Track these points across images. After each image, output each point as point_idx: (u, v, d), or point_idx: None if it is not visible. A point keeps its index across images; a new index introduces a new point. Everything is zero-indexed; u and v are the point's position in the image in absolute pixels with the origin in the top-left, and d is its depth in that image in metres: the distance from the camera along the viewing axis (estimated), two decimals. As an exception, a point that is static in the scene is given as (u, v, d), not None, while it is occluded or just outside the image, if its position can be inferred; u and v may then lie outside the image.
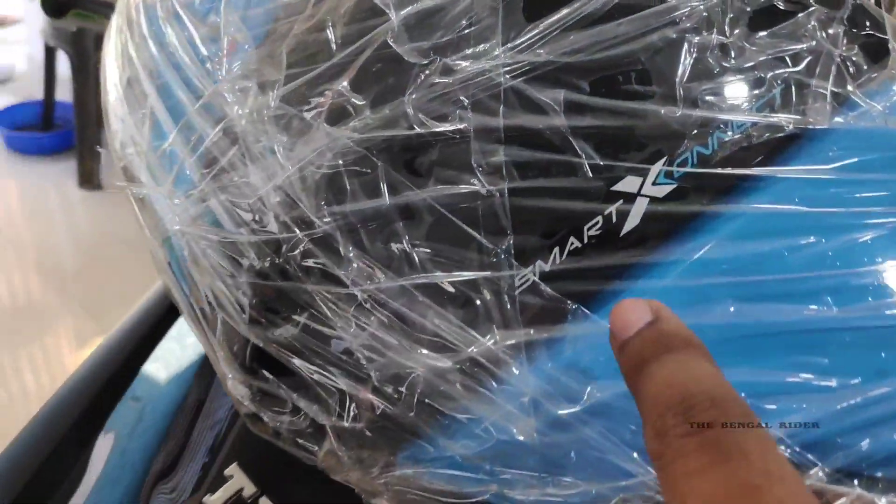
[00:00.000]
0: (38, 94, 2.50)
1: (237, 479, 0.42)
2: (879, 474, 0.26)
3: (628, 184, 0.28)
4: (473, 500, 0.29)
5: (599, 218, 0.28)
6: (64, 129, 2.44)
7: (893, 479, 0.26)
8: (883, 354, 0.26)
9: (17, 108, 2.51)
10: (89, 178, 2.28)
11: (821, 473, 0.25)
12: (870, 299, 0.26)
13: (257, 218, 0.31)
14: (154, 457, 0.49)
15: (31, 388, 1.63)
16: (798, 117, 0.28)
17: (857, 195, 0.27)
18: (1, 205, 2.23)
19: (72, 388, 0.54)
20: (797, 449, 0.25)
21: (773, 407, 0.25)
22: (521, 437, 0.26)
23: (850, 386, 0.25)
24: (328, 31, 0.33)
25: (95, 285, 1.92)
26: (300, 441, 0.32)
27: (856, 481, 0.25)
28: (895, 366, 0.26)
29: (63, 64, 2.31)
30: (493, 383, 0.27)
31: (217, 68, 0.36)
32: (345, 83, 0.30)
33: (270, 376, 0.31)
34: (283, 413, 0.31)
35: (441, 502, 0.30)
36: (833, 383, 0.25)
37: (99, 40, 2.23)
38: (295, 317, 0.30)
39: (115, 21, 0.49)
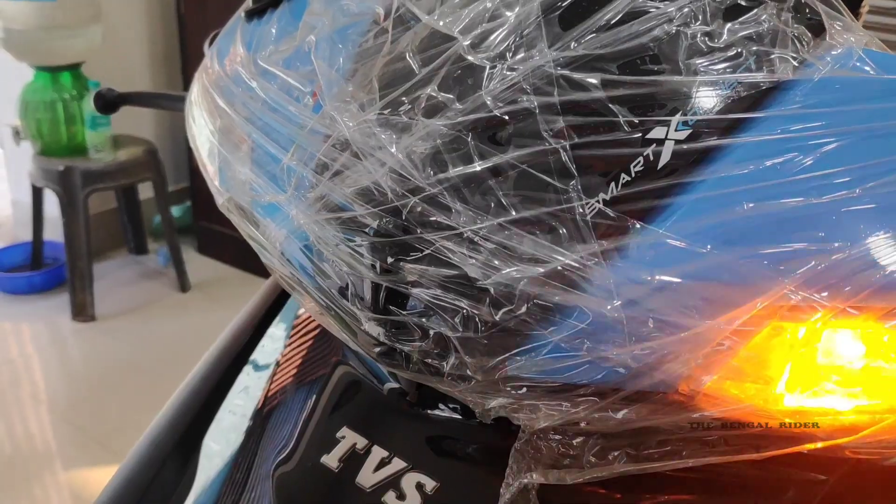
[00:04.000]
0: (23, 236, 2.62)
1: (349, 437, 0.50)
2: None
3: (657, 132, 0.38)
4: (575, 381, 0.37)
5: (641, 158, 0.38)
6: (54, 267, 2.54)
7: None
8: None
9: (5, 251, 2.61)
10: (83, 310, 2.36)
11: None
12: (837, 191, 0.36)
13: (377, 195, 0.40)
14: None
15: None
16: (769, 74, 0.39)
17: (816, 123, 0.38)
18: (-3, 344, 2.29)
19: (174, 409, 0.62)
20: (807, 295, 0.35)
21: (783, 267, 0.35)
22: (609, 313, 0.35)
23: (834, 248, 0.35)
24: (409, 59, 0.43)
25: (97, 413, 1.96)
26: (429, 361, 0.40)
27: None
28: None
29: (49, 204, 2.44)
30: (582, 281, 0.36)
31: (317, 101, 0.47)
32: (434, 87, 0.41)
33: (402, 311, 0.40)
34: (413, 340, 0.40)
35: (548, 388, 0.38)
36: (825, 245, 0.35)
37: (85, 176, 2.32)
38: (417, 261, 0.39)
39: (196, 90, 0.59)
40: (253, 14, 0.59)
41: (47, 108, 2.27)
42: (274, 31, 0.55)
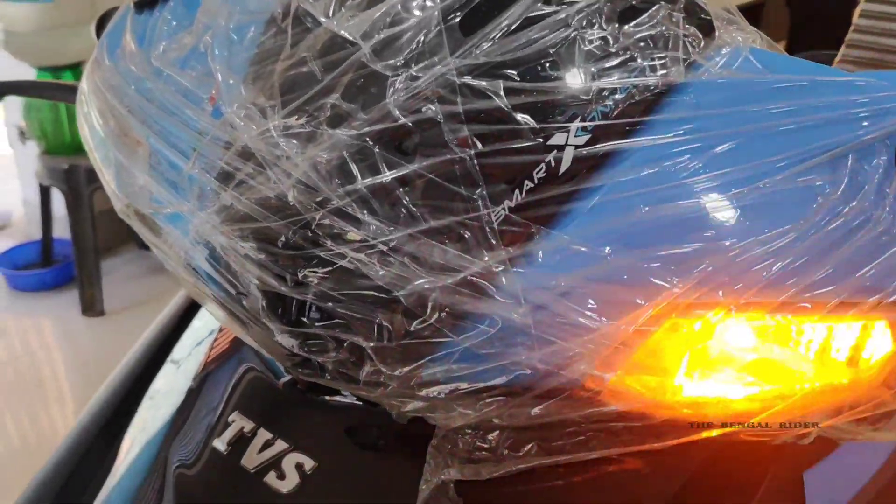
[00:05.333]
0: (36, 235, 2.58)
1: (238, 421, 0.51)
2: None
3: (558, 138, 0.39)
4: (486, 383, 0.39)
5: (542, 164, 0.39)
6: (63, 264, 2.52)
7: None
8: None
9: (16, 250, 2.58)
10: (92, 306, 2.34)
11: None
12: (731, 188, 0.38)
13: (283, 206, 0.40)
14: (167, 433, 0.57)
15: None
16: (662, 78, 0.40)
17: (705, 125, 0.40)
18: (9, 340, 2.25)
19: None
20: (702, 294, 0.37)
21: (675, 268, 0.37)
22: (517, 318, 0.37)
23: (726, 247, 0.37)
24: (311, 64, 0.42)
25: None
26: (343, 371, 0.40)
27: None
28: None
29: (57, 202, 2.42)
30: (491, 288, 0.37)
31: (215, 105, 0.45)
32: (337, 96, 0.40)
33: (316, 324, 0.40)
34: (328, 351, 0.40)
35: (460, 392, 0.39)
36: (721, 241, 0.37)
37: (90, 174, 2.28)
38: (329, 274, 0.39)
39: (86, 90, 0.57)
40: (143, 5, 0.57)
41: (49, 107, 2.26)
42: (166, 25, 0.53)
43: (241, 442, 0.51)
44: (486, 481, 0.43)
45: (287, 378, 0.55)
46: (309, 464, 0.49)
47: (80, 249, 2.31)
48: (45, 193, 2.44)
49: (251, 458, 0.50)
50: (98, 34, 0.78)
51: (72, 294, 2.39)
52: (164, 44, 0.52)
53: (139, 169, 0.50)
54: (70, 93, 0.73)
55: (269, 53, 0.46)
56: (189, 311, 0.75)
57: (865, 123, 0.40)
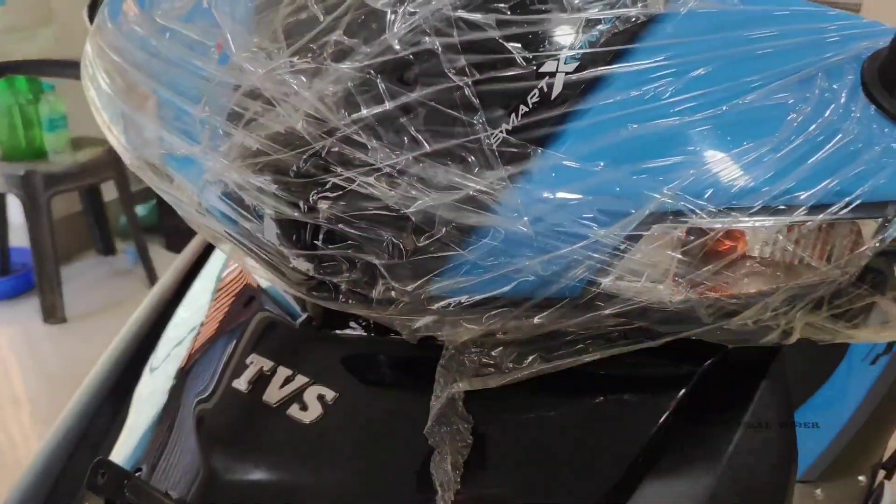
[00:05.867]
0: None
1: (256, 362, 0.54)
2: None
3: (549, 66, 0.42)
4: (491, 293, 0.41)
5: (536, 90, 0.42)
6: (22, 272, 2.52)
7: None
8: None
9: None
10: (53, 312, 2.36)
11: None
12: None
13: (293, 139, 0.43)
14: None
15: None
16: (642, 9, 0.43)
17: (685, 51, 0.43)
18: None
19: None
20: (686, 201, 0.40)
21: (661, 178, 0.40)
22: (518, 229, 0.40)
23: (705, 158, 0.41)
24: (311, 7, 0.45)
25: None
26: (357, 290, 0.43)
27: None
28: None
29: (14, 209, 2.42)
30: (493, 204, 0.40)
31: (221, 54, 0.48)
32: (340, 33, 0.43)
33: (330, 246, 0.42)
34: (342, 272, 0.43)
35: (466, 304, 0.42)
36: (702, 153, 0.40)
37: (47, 180, 2.28)
38: (340, 198, 0.42)
39: (91, 52, 0.59)
40: None
41: (4, 113, 2.26)
42: None
43: (261, 380, 0.54)
44: (493, 398, 0.46)
45: (302, 317, 0.57)
46: (330, 394, 0.52)
47: (39, 256, 2.32)
48: (0, 201, 2.44)
49: (272, 394, 0.53)
50: (90, 13, 0.80)
51: (33, 302, 2.40)
52: (166, 4, 0.54)
53: (148, 121, 0.52)
54: (70, 68, 0.75)
55: (269, 3, 0.48)
56: (161, 318, 0.76)
57: (834, 47, 0.43)
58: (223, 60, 0.48)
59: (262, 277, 0.51)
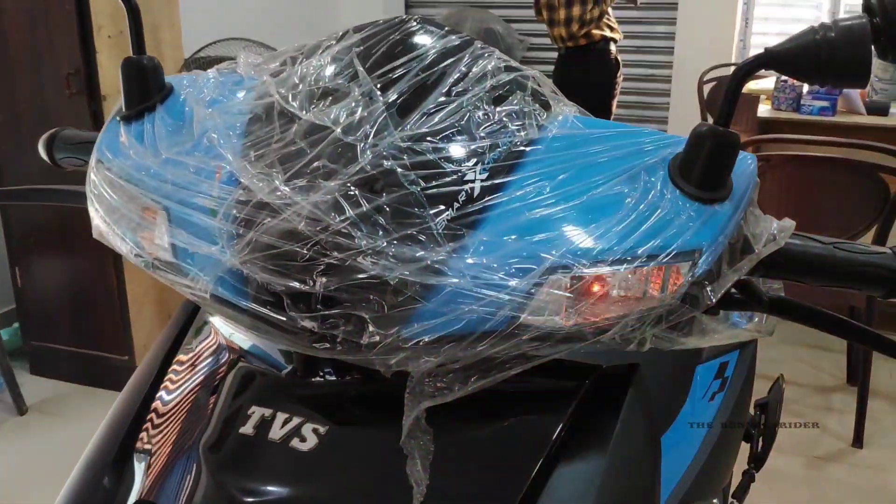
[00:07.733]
0: None
1: (257, 411, 0.70)
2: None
3: (469, 176, 0.63)
4: (446, 332, 0.60)
5: (463, 192, 0.62)
6: None
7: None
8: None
9: None
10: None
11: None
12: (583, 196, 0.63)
13: (296, 235, 0.60)
14: None
15: None
16: (524, 137, 0.65)
17: (554, 161, 0.65)
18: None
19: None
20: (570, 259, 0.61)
21: (549, 244, 0.61)
22: (464, 284, 0.59)
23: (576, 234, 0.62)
24: (299, 143, 0.64)
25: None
26: (351, 339, 0.60)
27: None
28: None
29: None
30: (444, 268, 0.59)
31: (222, 177, 0.65)
32: (324, 161, 0.62)
33: (330, 309, 0.60)
34: (339, 326, 0.60)
35: (430, 341, 0.60)
36: (571, 229, 0.62)
37: None
38: (336, 273, 0.60)
39: (97, 181, 0.74)
40: (130, 118, 0.76)
41: None
42: (161, 128, 0.73)
43: (264, 424, 0.69)
44: (445, 416, 0.65)
45: (287, 369, 0.73)
46: (323, 427, 0.68)
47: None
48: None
49: (276, 433, 0.68)
50: (48, 150, 0.94)
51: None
52: (165, 141, 0.71)
53: (159, 231, 0.68)
54: (73, 196, 0.88)
55: (261, 138, 0.67)
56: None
57: (650, 153, 0.67)
58: (229, 182, 0.65)
59: (263, 338, 0.67)
